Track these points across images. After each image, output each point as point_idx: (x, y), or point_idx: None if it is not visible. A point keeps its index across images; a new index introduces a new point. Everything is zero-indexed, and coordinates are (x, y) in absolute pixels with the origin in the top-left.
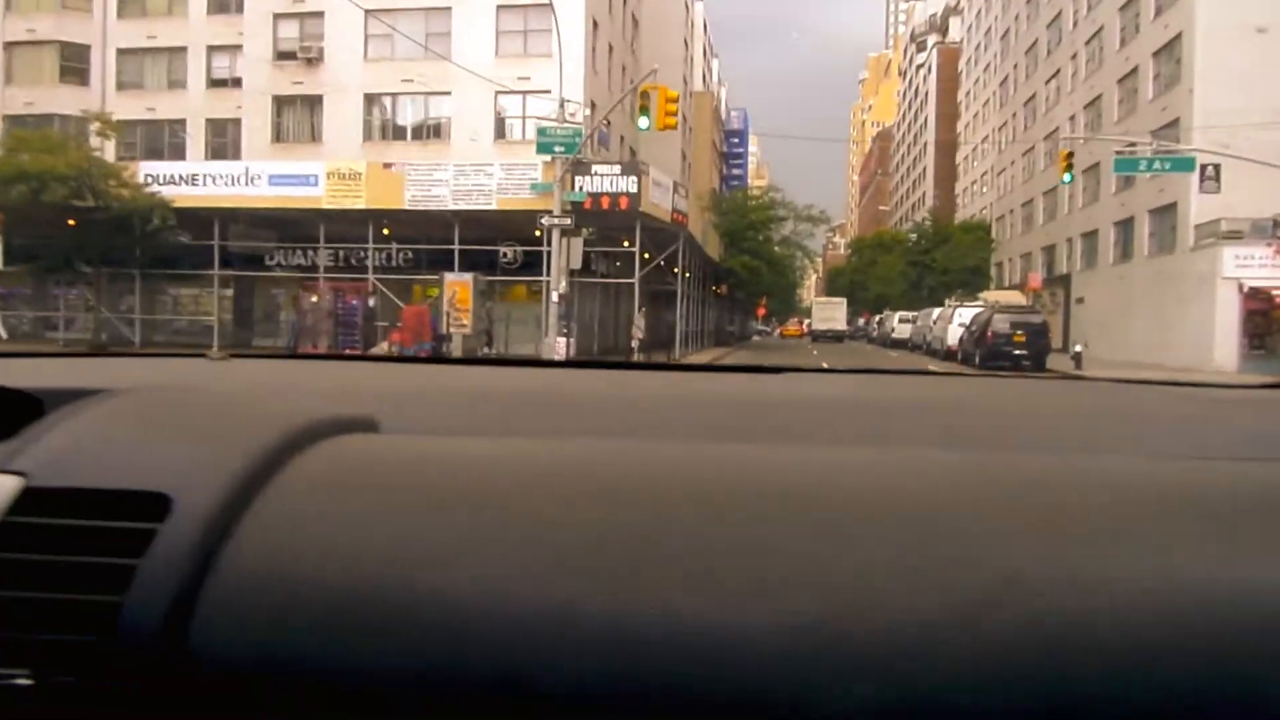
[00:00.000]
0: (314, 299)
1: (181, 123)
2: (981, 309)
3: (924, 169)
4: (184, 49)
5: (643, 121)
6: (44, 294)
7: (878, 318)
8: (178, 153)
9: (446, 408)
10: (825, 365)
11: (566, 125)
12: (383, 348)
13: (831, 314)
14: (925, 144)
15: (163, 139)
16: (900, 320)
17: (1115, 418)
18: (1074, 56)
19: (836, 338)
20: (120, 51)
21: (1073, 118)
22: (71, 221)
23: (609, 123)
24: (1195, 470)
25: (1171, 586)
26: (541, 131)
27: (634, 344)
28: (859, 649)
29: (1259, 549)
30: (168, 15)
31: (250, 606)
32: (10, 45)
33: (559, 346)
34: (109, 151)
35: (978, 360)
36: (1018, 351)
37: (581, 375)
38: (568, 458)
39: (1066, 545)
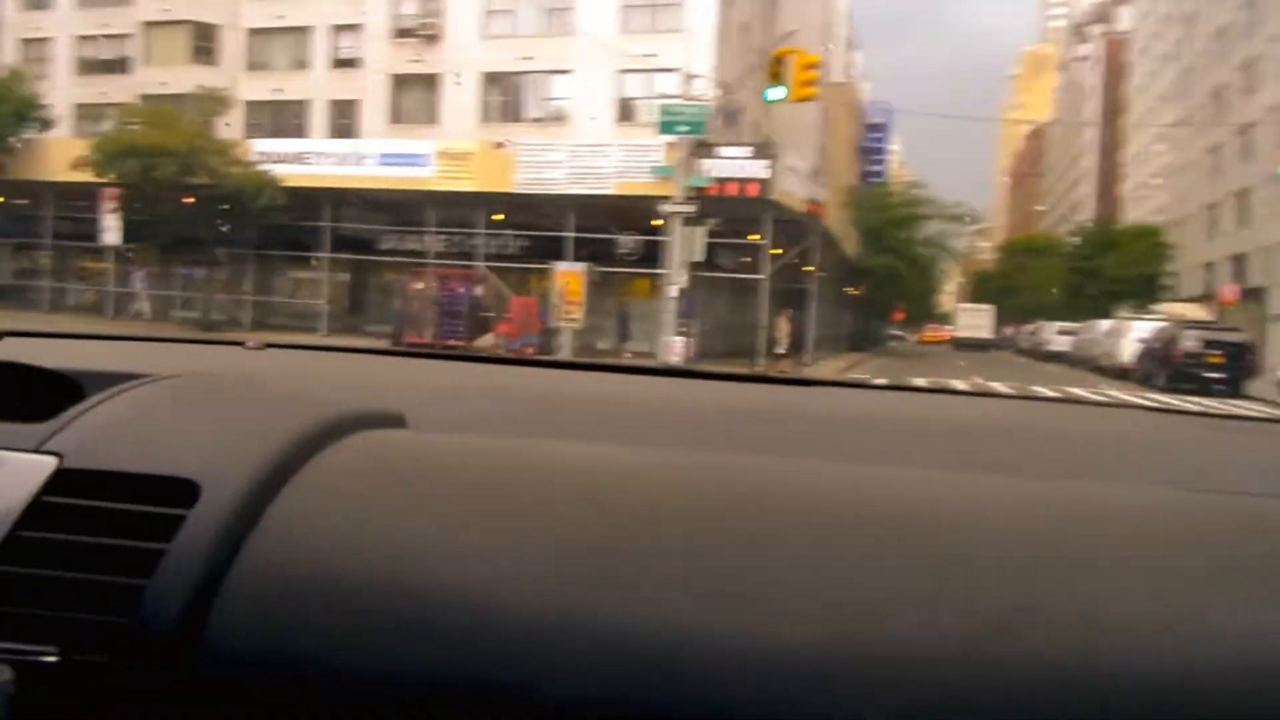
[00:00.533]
0: (419, 286)
1: (306, 104)
2: (1165, 324)
3: (1084, 169)
4: (310, 29)
5: (776, 91)
6: (171, 273)
7: (1029, 328)
8: (302, 135)
9: (477, 406)
10: (977, 379)
11: (693, 102)
12: (488, 340)
13: (977, 321)
14: (1086, 142)
15: (288, 120)
16: (1058, 331)
17: (1142, 445)
18: (1275, 39)
19: (982, 347)
20: (250, 31)
21: (1274, 108)
22: (185, 199)
23: (739, 102)
24: (1223, 504)
25: (1186, 627)
26: (665, 109)
27: (778, 350)
28: (859, 672)
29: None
30: None
31: (270, 599)
32: (147, 25)
33: (676, 347)
34: (234, 130)
35: (1161, 382)
36: (1211, 374)
37: (619, 380)
38: (593, 462)
39: (1080, 577)
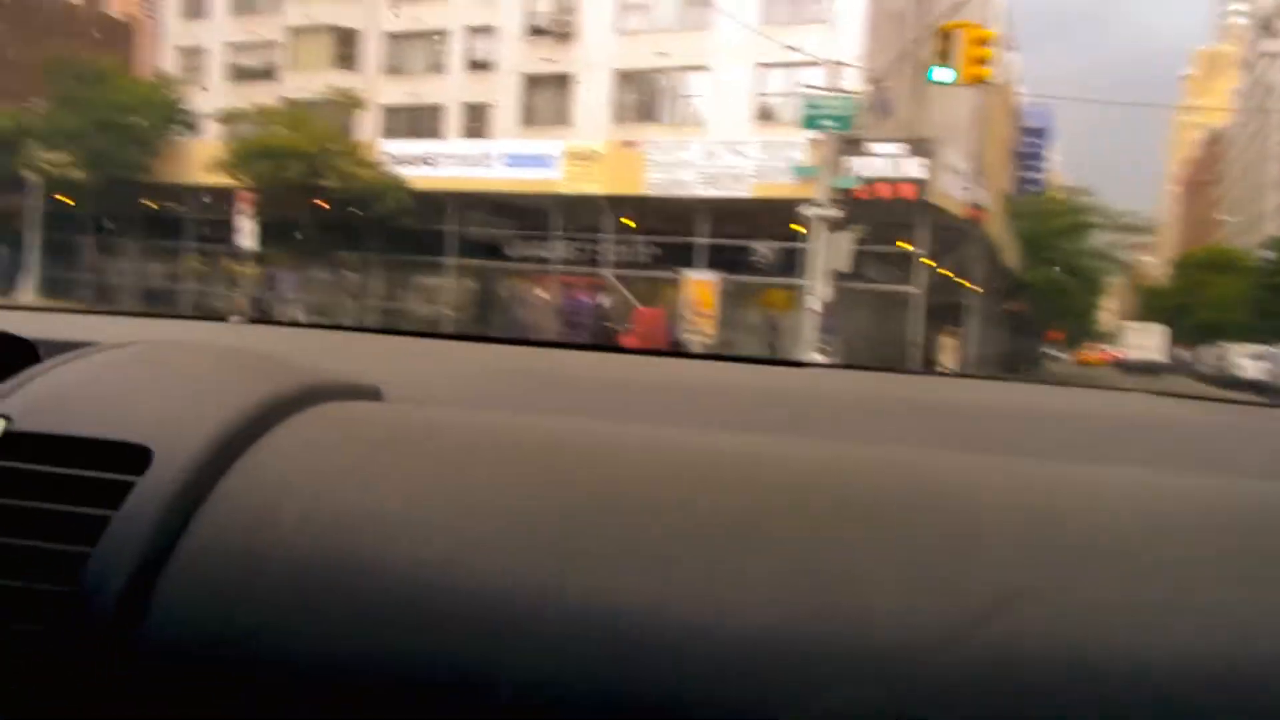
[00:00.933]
0: (541, 293)
1: (440, 107)
2: None
3: (1271, 176)
4: (445, 32)
5: (943, 73)
6: (309, 277)
7: (1209, 350)
8: (436, 138)
9: (457, 381)
10: None
11: (840, 94)
12: None
13: (1147, 341)
14: (1273, 146)
15: (423, 123)
16: (1252, 355)
17: (1149, 429)
18: None
19: (1154, 370)
20: (388, 36)
21: None
22: (314, 201)
23: (893, 92)
24: (1226, 488)
25: (1182, 613)
26: (809, 102)
27: (940, 371)
28: (842, 654)
29: None
30: None
31: (221, 571)
32: (292, 31)
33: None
34: (372, 134)
35: None
36: None
37: (604, 359)
38: (573, 438)
39: (1071, 562)
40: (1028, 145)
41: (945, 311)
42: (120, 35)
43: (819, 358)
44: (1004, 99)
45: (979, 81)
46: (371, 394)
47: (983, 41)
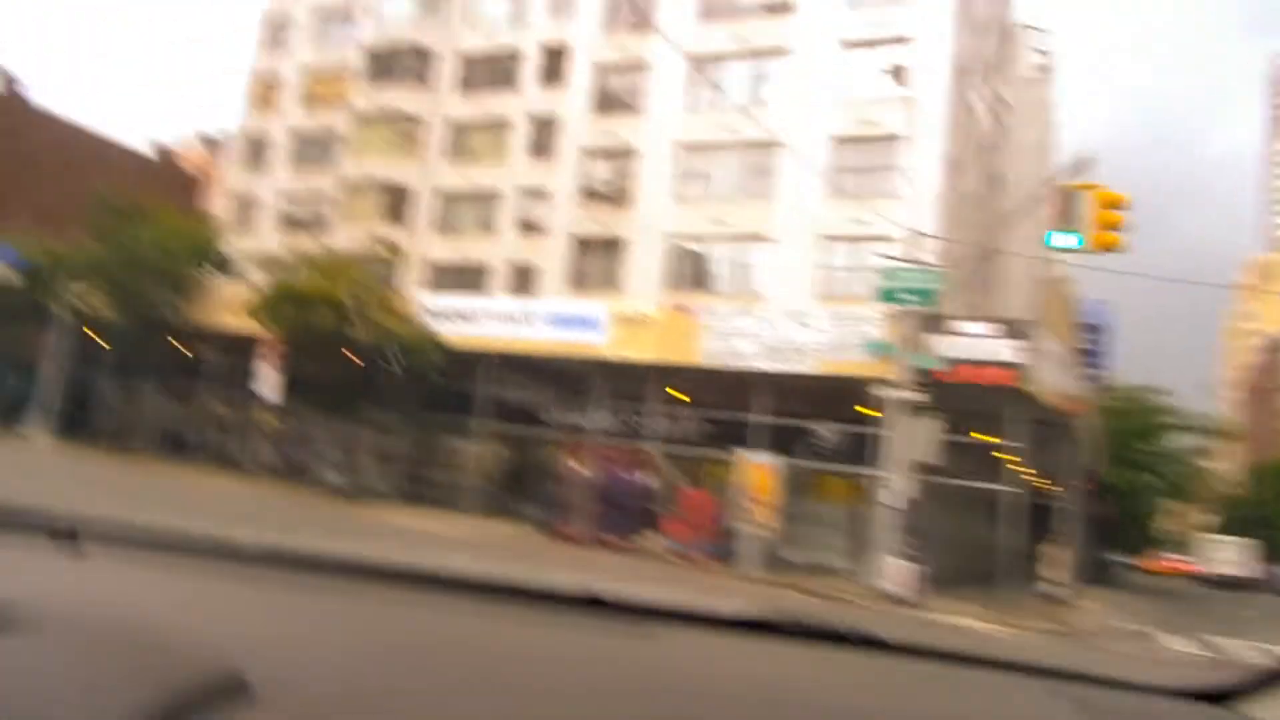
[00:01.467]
0: (578, 468)
1: (488, 266)
2: None
3: None
4: (498, 192)
5: (1064, 238)
6: (332, 432)
7: None
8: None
9: (339, 661)
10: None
11: (921, 267)
12: (654, 541)
13: (1229, 555)
14: None
15: (470, 281)
16: None
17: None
18: None
19: (1236, 585)
20: (440, 193)
21: None
22: (342, 352)
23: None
24: None
25: None
26: (887, 273)
27: (1045, 588)
28: None
29: None
30: (489, 158)
31: None
32: (345, 184)
33: (899, 573)
34: (411, 288)
35: None
36: None
37: (549, 622)
38: None
39: None
40: (1088, 343)
41: (1036, 515)
42: (189, 187)
43: (903, 564)
44: (1063, 295)
45: (1108, 249)
46: (239, 688)
47: (1114, 206)
